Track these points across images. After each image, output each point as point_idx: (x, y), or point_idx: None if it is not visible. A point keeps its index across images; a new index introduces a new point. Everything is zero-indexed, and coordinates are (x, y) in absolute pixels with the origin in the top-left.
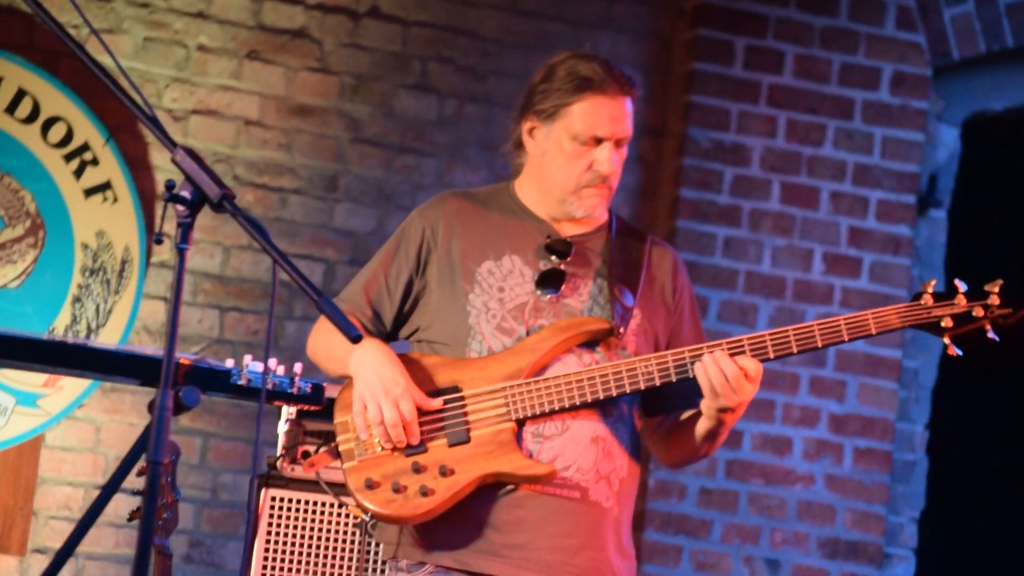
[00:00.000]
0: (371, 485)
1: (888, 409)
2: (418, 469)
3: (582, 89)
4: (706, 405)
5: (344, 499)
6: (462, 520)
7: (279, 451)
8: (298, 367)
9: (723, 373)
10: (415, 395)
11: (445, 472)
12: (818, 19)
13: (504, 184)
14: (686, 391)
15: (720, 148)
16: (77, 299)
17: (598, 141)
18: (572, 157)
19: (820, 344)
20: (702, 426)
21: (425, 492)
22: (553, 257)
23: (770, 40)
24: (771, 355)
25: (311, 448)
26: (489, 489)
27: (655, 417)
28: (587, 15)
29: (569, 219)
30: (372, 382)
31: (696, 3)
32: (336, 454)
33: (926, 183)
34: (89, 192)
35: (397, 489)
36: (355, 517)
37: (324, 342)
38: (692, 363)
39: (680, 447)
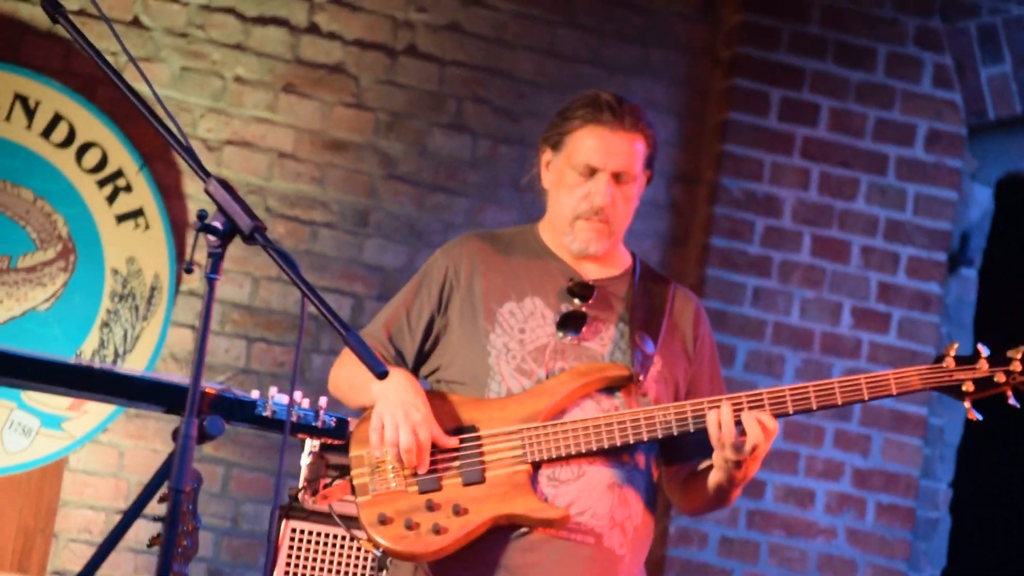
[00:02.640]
0: (384, 520)
1: (912, 466)
2: (431, 507)
3: (583, 118)
4: (717, 457)
5: (356, 533)
6: (475, 561)
7: (301, 483)
8: (323, 401)
9: (732, 426)
10: (433, 429)
11: (459, 511)
12: (855, 74)
13: (529, 226)
14: (704, 441)
15: (752, 198)
16: (105, 324)
17: (593, 172)
18: (571, 187)
19: (840, 402)
20: (714, 478)
21: (438, 530)
22: (575, 300)
23: (806, 93)
24: (790, 410)
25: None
26: (502, 531)
27: (673, 466)
28: (623, 60)
29: (584, 258)
30: (394, 403)
31: (733, 53)
32: (351, 488)
33: (958, 241)
34: (121, 218)
35: (410, 526)
36: (368, 551)
37: (347, 373)
38: (692, 414)
39: (695, 497)
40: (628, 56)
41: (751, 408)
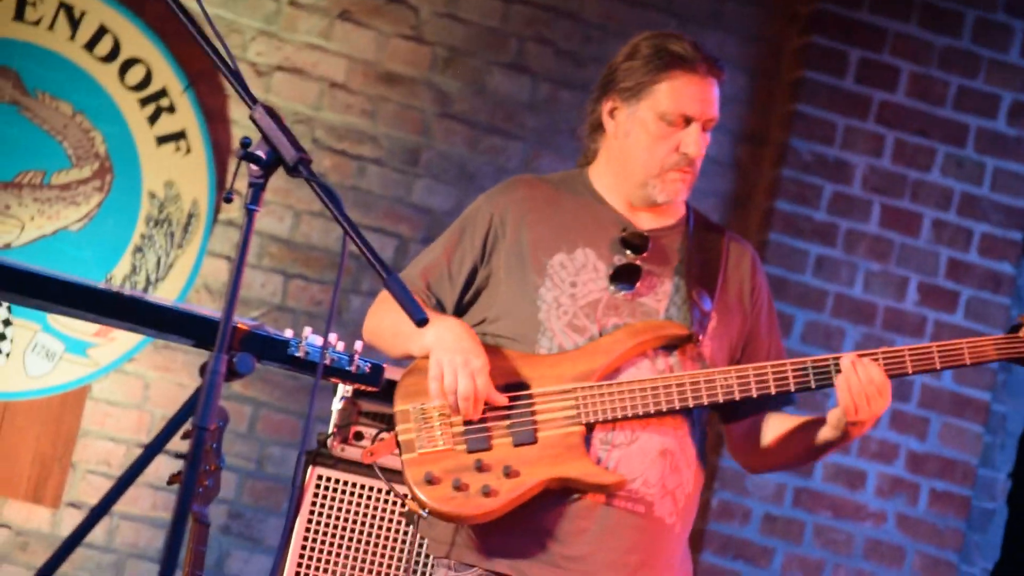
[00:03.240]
0: (431, 480)
1: (971, 453)
2: (481, 468)
3: (671, 66)
4: (836, 415)
5: (397, 487)
6: (520, 525)
7: (331, 428)
8: (359, 345)
9: (863, 381)
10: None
11: (509, 473)
12: (939, 38)
13: (578, 171)
14: (766, 397)
15: (822, 162)
16: (139, 249)
17: (687, 121)
18: (658, 138)
19: (911, 371)
20: (824, 435)
21: (487, 492)
22: (628, 252)
23: (886, 55)
24: (910, 371)
25: (364, 430)
26: (552, 495)
27: (733, 422)
28: (696, 10)
29: (648, 207)
30: (453, 349)
31: (811, 9)
32: (396, 444)
33: None
34: (162, 140)
35: (458, 487)
36: (403, 508)
37: (391, 320)
38: (775, 377)
39: (780, 453)
40: (701, 6)
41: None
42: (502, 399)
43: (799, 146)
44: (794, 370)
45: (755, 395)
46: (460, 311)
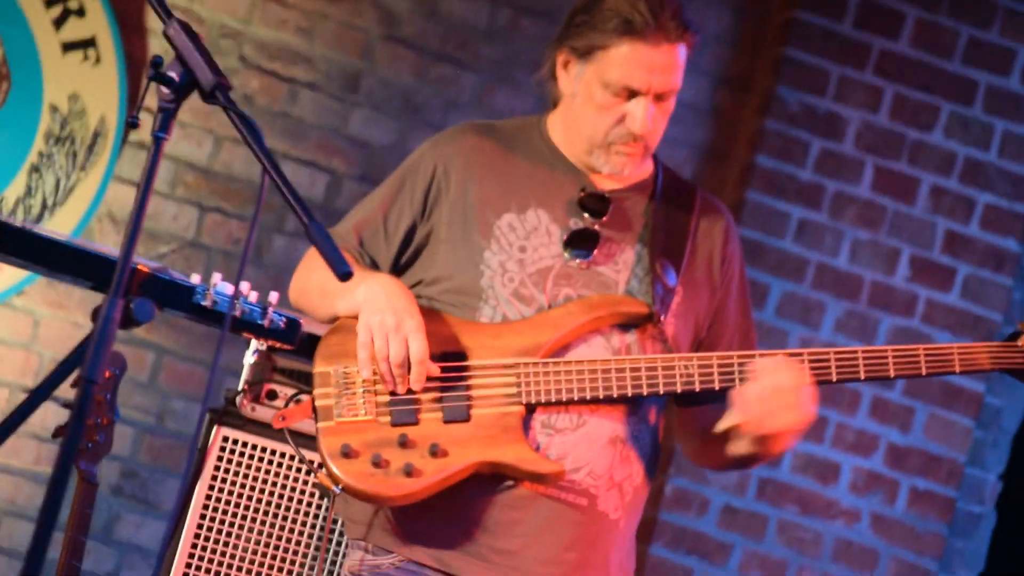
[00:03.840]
0: (348, 453)
1: (959, 449)
2: (405, 443)
3: (620, 32)
4: (725, 422)
5: (308, 454)
6: (447, 512)
7: (241, 385)
8: (274, 296)
9: (767, 387)
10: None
11: (436, 452)
12: None
13: (535, 118)
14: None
15: (811, 114)
16: (35, 168)
17: (632, 94)
18: (602, 107)
19: (893, 374)
20: (737, 448)
21: (410, 472)
22: (586, 215)
23: None
24: (834, 378)
25: (278, 388)
26: (483, 481)
27: (689, 409)
28: None
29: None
30: (384, 310)
31: None
32: (312, 409)
33: None
34: (68, 47)
35: (378, 463)
36: (317, 484)
37: (318, 278)
38: (741, 370)
39: (714, 457)
40: None
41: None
42: (435, 369)
43: (786, 95)
44: (733, 362)
45: (717, 388)
46: (397, 271)
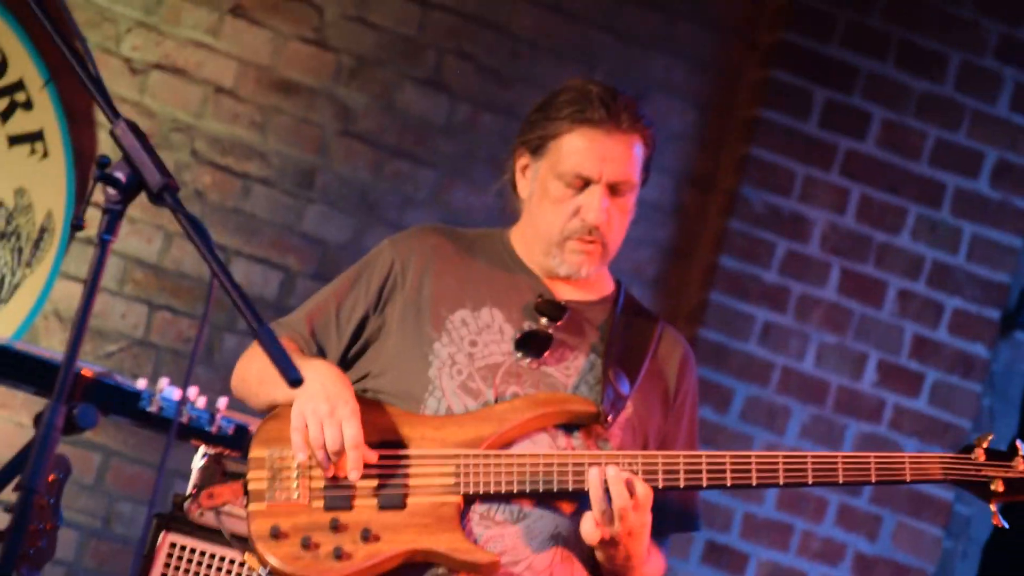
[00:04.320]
0: (277, 535)
1: (928, 559)
2: (337, 527)
3: (571, 120)
4: (587, 528)
5: (240, 547)
6: None
7: (189, 489)
8: (222, 402)
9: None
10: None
11: (368, 537)
12: (918, 82)
13: (499, 231)
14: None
15: (776, 215)
16: None
17: (585, 183)
18: (557, 200)
19: (841, 480)
20: (598, 555)
21: (339, 555)
22: (543, 320)
23: (856, 98)
24: (754, 482)
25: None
26: (416, 570)
27: None
28: (642, 29)
29: (564, 279)
30: (318, 397)
31: (775, 39)
32: (244, 491)
33: (1016, 299)
34: (15, 140)
35: (307, 545)
36: (252, 568)
37: (257, 367)
38: (687, 472)
39: None
40: (649, 25)
41: (711, 471)
42: (372, 456)
43: (751, 195)
44: (679, 462)
45: (661, 487)
46: (346, 364)
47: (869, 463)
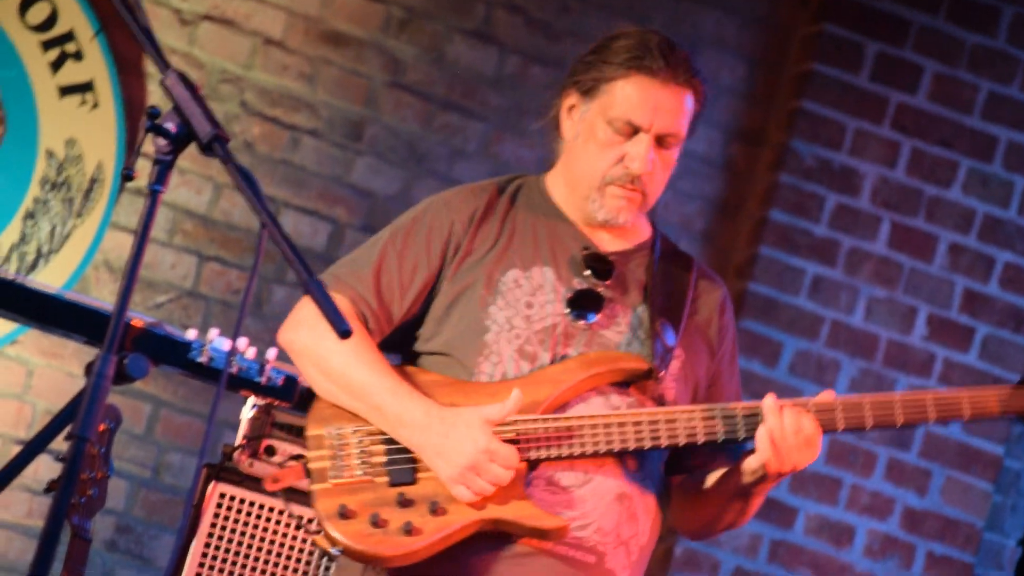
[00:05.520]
0: (345, 514)
1: (977, 514)
2: (404, 503)
3: (628, 66)
4: (752, 462)
5: (297, 508)
6: (449, 572)
7: (239, 440)
8: (271, 353)
9: (788, 428)
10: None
11: (436, 510)
12: (970, 35)
13: (534, 177)
14: (716, 450)
15: (826, 169)
16: (30, 215)
17: (634, 130)
18: (603, 145)
19: (900, 422)
20: (735, 484)
21: (409, 531)
22: (588, 273)
23: (908, 51)
24: (840, 426)
25: (277, 444)
26: (485, 539)
27: (676, 476)
28: None
29: (600, 225)
30: (456, 462)
31: None
32: (305, 471)
33: None
34: (66, 91)
35: (376, 523)
36: (323, 548)
37: (364, 377)
38: (745, 423)
39: (702, 513)
40: None
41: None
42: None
43: (801, 149)
44: (737, 415)
45: (719, 440)
46: (401, 328)
47: (926, 402)
